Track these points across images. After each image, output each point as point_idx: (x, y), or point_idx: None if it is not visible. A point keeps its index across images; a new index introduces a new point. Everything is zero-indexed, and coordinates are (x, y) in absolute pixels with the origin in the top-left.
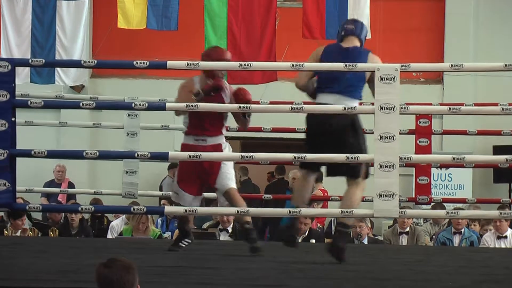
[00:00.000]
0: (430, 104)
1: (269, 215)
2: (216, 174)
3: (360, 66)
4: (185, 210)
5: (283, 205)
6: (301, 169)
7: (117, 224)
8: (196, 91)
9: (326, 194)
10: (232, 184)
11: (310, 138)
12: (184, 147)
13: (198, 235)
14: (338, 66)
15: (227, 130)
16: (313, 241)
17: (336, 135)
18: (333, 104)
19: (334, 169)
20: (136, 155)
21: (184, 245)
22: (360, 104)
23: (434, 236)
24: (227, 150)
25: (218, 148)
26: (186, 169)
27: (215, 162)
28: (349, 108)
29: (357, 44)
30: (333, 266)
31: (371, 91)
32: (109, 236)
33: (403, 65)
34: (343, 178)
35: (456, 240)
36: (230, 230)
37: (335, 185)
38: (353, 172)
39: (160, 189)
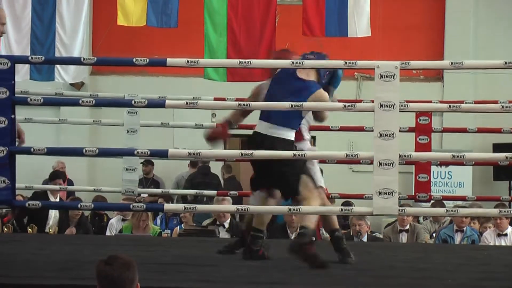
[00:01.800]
0: (430, 102)
1: (268, 212)
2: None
3: (360, 63)
4: (185, 208)
5: None
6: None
7: (116, 221)
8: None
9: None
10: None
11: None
12: None
13: (198, 232)
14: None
15: None
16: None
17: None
18: (263, 133)
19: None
20: (135, 152)
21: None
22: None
23: (435, 234)
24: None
25: None
26: None
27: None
28: (349, 105)
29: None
30: (333, 264)
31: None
32: (108, 233)
33: (403, 63)
34: (342, 174)
35: (458, 238)
36: (226, 225)
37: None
38: (291, 192)
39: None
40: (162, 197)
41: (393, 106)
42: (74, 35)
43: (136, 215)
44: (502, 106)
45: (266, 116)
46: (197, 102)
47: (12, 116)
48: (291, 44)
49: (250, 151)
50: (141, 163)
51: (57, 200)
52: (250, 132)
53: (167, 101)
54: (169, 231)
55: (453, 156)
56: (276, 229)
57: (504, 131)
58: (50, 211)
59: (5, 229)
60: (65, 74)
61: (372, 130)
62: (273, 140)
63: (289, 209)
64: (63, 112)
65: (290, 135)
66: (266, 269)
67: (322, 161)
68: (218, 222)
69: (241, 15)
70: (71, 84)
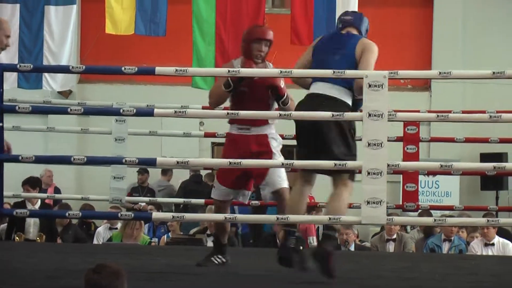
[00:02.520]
0: (418, 111)
1: (257, 221)
2: (266, 169)
3: (348, 73)
4: (173, 216)
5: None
6: (299, 179)
7: (103, 230)
8: (226, 82)
9: (313, 200)
10: (285, 184)
11: (298, 140)
12: (228, 136)
13: (185, 241)
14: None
15: (216, 136)
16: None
17: (321, 132)
18: (322, 92)
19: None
20: (124, 160)
21: (216, 262)
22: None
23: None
24: (275, 143)
25: (263, 138)
26: (228, 157)
27: (265, 154)
28: (337, 114)
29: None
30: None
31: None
32: (95, 242)
33: (392, 72)
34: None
35: (445, 247)
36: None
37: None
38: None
39: None
40: (153, 206)
41: (382, 115)
42: (62, 43)
43: (130, 224)
44: (490, 116)
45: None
46: (185, 111)
47: (0, 124)
48: (280, 53)
49: (238, 160)
50: (137, 171)
51: (36, 207)
52: None
53: (155, 110)
54: (156, 240)
55: (441, 165)
56: (265, 238)
57: (492, 141)
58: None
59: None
60: (53, 82)
61: (361, 139)
62: (336, 102)
63: (277, 218)
64: (51, 120)
65: (349, 99)
66: (254, 277)
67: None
68: (209, 232)
69: (229, 23)
70: (59, 92)
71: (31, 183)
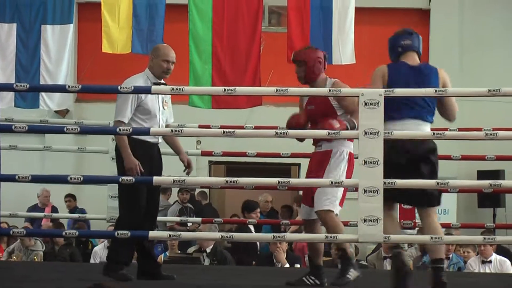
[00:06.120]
0: None
1: (253, 240)
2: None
3: (344, 91)
4: (169, 235)
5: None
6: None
7: (100, 249)
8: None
9: None
10: (327, 206)
11: (392, 165)
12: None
13: (182, 260)
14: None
15: (213, 155)
16: (297, 265)
17: (423, 160)
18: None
19: (412, 198)
20: (120, 179)
21: (308, 282)
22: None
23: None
24: (338, 157)
25: (327, 154)
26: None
27: (319, 171)
28: (333, 133)
29: (418, 59)
30: None
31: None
32: (92, 261)
33: (387, 90)
34: None
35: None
36: (208, 250)
37: None
38: (438, 200)
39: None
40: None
41: (378, 133)
42: (59, 62)
43: None
44: (486, 134)
45: (412, 111)
46: (182, 130)
47: None
48: (276, 71)
49: (235, 178)
50: (178, 191)
51: None
52: (234, 159)
53: (151, 129)
54: None
55: (438, 183)
56: (263, 258)
57: (488, 158)
58: None
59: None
60: (50, 102)
61: (357, 157)
62: (429, 142)
63: (274, 237)
64: (48, 139)
65: None
66: None
67: None
68: (202, 249)
69: (226, 42)
70: (56, 112)
71: None
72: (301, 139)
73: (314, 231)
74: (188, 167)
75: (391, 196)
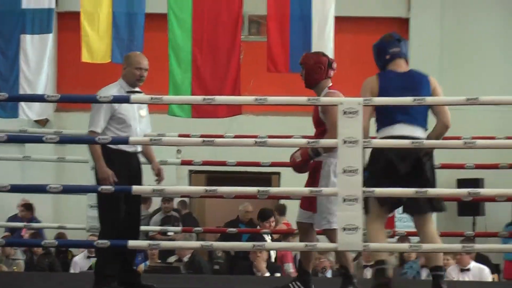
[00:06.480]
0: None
1: (233, 248)
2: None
3: (323, 100)
4: (149, 244)
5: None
6: (379, 208)
7: (80, 259)
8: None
9: (290, 227)
10: (324, 226)
11: (384, 171)
12: None
13: (163, 269)
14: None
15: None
16: (278, 274)
17: (418, 165)
18: (410, 134)
19: (413, 205)
20: (99, 189)
21: None
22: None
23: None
24: (327, 168)
25: (317, 165)
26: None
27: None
28: (313, 141)
29: (406, 65)
30: None
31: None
32: (71, 271)
33: (366, 99)
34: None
35: (424, 273)
36: (186, 259)
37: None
38: (439, 207)
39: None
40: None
41: (357, 142)
42: (38, 71)
43: None
44: (465, 142)
45: (406, 117)
46: (161, 139)
47: None
48: (256, 80)
49: (214, 188)
50: (161, 200)
51: None
52: (214, 168)
53: (130, 138)
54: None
55: (417, 191)
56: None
57: (467, 167)
58: None
59: None
60: (29, 111)
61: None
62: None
63: (254, 246)
64: (28, 149)
65: None
66: None
67: (286, 197)
68: (179, 258)
69: (205, 51)
70: (36, 121)
71: None
72: (302, 171)
73: (308, 235)
74: (158, 175)
75: (389, 204)
